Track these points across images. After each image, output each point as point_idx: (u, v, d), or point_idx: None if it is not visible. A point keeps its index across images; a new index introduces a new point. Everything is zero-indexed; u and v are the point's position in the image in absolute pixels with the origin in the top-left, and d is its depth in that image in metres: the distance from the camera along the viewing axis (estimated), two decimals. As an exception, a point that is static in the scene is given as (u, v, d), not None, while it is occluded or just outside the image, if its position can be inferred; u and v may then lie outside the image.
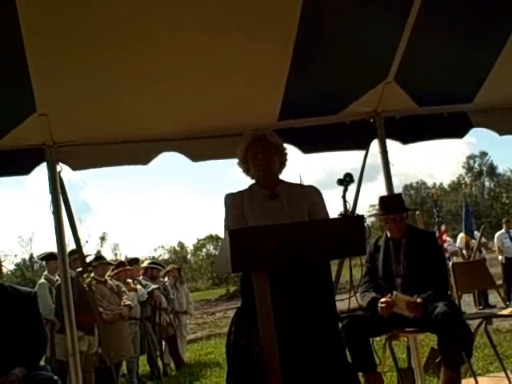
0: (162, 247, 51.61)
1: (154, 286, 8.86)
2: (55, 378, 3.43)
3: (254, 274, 2.43)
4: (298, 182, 3.53)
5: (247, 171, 3.45)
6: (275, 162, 3.38)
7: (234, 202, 3.34)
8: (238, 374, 3.06)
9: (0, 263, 3.98)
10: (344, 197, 3.12)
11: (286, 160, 3.47)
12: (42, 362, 4.53)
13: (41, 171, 4.28)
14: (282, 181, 3.42)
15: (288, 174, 3.48)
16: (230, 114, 4.18)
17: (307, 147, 4.61)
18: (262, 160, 3.32)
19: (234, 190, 3.41)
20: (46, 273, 7.25)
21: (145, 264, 9.94)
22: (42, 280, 7.10)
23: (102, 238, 45.72)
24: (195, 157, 4.47)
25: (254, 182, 3.45)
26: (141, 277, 9.29)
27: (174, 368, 9.33)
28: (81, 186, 57.12)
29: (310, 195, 3.37)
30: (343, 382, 2.68)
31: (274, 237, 2.43)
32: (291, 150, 4.64)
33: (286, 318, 2.51)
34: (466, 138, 4.98)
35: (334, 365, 2.63)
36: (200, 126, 4.30)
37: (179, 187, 79.10)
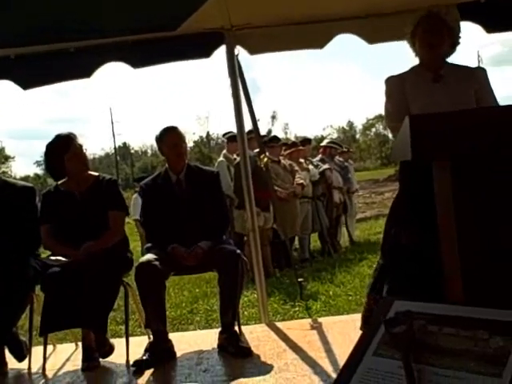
0: (331, 126, 51.81)
1: (326, 167, 9.01)
2: (238, 251, 3.69)
3: (435, 165, 2.33)
4: (465, 65, 3.20)
5: (413, 46, 3.17)
6: (443, 44, 3.08)
7: (394, 85, 3.13)
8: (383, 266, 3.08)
9: None
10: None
11: (457, 43, 3.15)
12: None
13: (218, 55, 4.36)
14: (449, 63, 3.15)
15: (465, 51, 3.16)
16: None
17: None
18: (429, 40, 3.04)
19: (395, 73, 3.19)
20: (224, 151, 7.61)
21: (324, 143, 10.16)
22: (221, 158, 7.49)
23: (273, 117, 46.89)
24: (371, 39, 4.26)
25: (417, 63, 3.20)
26: (319, 155, 9.50)
27: (344, 245, 9.64)
28: (250, 66, 58.17)
29: (478, 78, 3.09)
30: None
31: (460, 124, 2.28)
32: (471, 27, 4.25)
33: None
34: None
35: None
36: (376, 3, 4.03)
37: (350, 66, 77.37)
